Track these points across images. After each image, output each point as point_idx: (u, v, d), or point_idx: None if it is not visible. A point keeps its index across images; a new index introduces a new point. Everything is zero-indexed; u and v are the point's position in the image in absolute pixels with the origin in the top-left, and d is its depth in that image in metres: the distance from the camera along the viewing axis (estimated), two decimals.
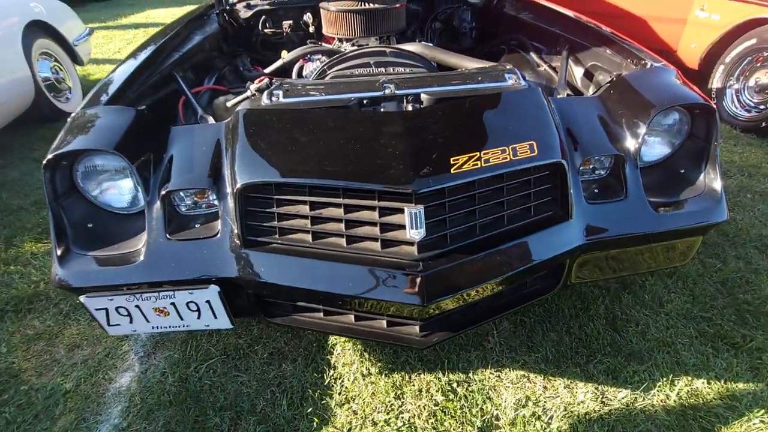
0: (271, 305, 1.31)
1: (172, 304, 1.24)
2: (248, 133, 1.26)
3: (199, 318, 1.29)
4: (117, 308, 1.24)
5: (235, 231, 1.19)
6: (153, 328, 1.31)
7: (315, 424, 1.41)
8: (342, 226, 1.16)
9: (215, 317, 1.29)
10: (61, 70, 3.82)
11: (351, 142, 1.18)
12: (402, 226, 1.13)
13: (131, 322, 1.28)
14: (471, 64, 1.84)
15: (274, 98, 1.43)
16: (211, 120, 1.50)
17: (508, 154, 1.19)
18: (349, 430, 1.40)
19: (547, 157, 1.22)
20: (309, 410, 1.45)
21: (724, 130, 3.13)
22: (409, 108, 1.42)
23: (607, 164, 1.37)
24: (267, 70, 2.05)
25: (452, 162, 1.13)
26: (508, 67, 1.58)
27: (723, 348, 1.59)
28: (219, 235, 1.21)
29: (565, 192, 1.26)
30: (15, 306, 1.93)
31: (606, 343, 1.63)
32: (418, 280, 1.09)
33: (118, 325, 1.29)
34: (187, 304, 1.25)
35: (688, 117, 1.38)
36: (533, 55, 2.07)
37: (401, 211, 1.12)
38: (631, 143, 1.34)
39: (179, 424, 1.43)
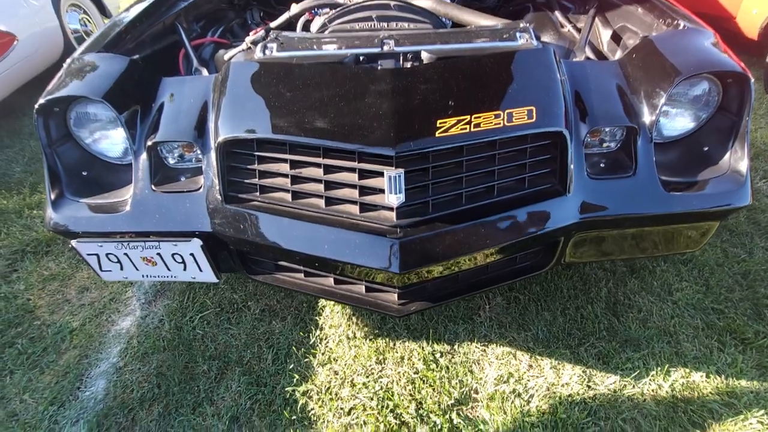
0: (253, 262, 1.32)
1: (158, 254, 1.27)
2: (235, 86, 1.22)
3: (185, 270, 1.32)
4: (107, 254, 1.28)
5: (217, 186, 1.18)
6: (143, 276, 1.35)
7: (296, 380, 1.45)
8: (321, 187, 1.13)
9: (200, 270, 1.31)
10: (90, 22, 3.88)
11: (336, 100, 1.12)
12: (382, 191, 1.08)
13: (122, 269, 1.33)
14: (486, 21, 1.69)
15: (267, 51, 1.38)
16: (205, 73, 1.48)
17: (502, 120, 1.10)
18: (328, 388, 1.42)
19: (547, 124, 1.12)
20: (291, 366, 1.49)
21: None
22: (408, 66, 1.33)
23: (618, 137, 1.25)
24: (273, 24, 1.97)
25: (438, 125, 1.06)
26: (522, 25, 1.44)
27: (731, 342, 1.49)
28: (202, 189, 1.21)
29: (565, 164, 1.16)
30: (34, 248, 2.06)
31: (602, 327, 1.56)
32: (395, 247, 1.06)
33: (110, 271, 1.34)
34: (173, 255, 1.27)
35: (719, 87, 1.23)
36: (558, 15, 1.89)
37: (382, 174, 1.07)
38: (647, 114, 1.21)
39: (170, 368, 1.51)
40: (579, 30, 1.77)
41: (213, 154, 1.18)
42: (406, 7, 1.63)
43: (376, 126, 1.05)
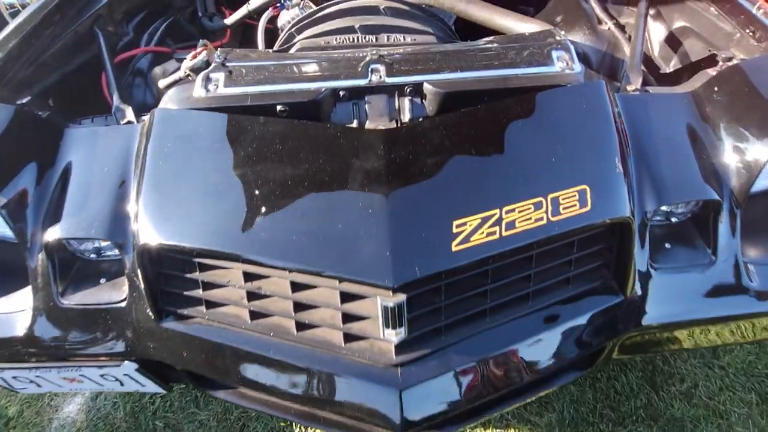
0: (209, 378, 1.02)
1: (82, 375, 0.97)
2: (160, 155, 0.86)
3: (122, 386, 1.02)
4: (14, 377, 0.97)
5: (146, 299, 0.85)
6: (71, 389, 1.06)
7: None
8: (290, 305, 0.81)
9: (142, 385, 1.02)
10: None
11: (306, 186, 0.78)
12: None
13: (39, 387, 1.03)
14: (505, 20, 1.29)
15: (211, 86, 0.99)
16: (129, 113, 1.08)
17: (545, 211, 0.77)
18: None
19: (607, 212, 0.80)
20: None
21: None
22: (406, 103, 0.98)
23: (691, 207, 0.93)
24: (229, 20, 1.55)
25: (456, 230, 0.73)
26: (557, 38, 1.07)
27: None
28: (127, 301, 0.88)
29: (626, 259, 0.85)
30: None
31: (639, 404, 1.32)
32: (394, 397, 0.76)
33: (26, 388, 1.04)
34: (102, 376, 0.97)
35: None
36: (593, 3, 1.48)
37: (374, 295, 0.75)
38: (737, 177, 0.89)
39: None
40: (622, 27, 1.38)
41: (136, 258, 0.84)
42: (400, 10, 1.22)
43: (366, 239, 0.71)
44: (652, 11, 1.33)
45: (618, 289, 0.87)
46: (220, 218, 0.78)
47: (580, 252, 0.84)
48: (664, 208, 0.90)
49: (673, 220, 0.94)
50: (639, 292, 0.88)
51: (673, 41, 1.29)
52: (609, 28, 1.39)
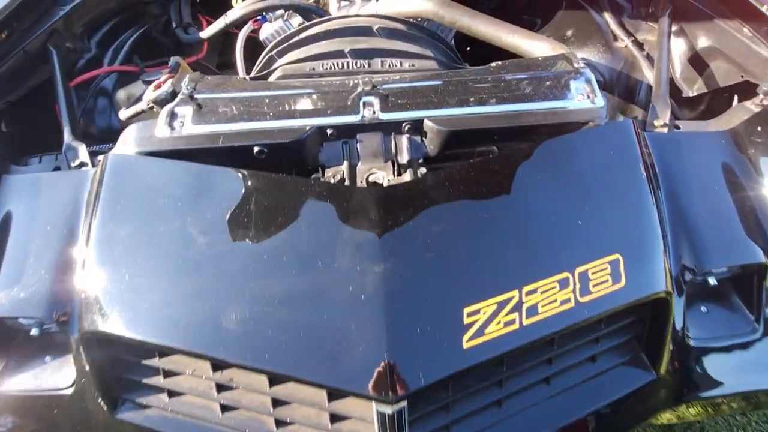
0: None
1: None
2: (112, 213, 0.73)
3: None
4: None
5: (94, 388, 0.72)
6: None
7: None
8: (267, 399, 0.68)
9: None
10: None
11: (281, 267, 0.64)
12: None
13: None
14: (512, 37, 1.15)
15: (177, 123, 0.85)
16: (82, 153, 0.93)
17: (573, 290, 0.64)
18: None
19: (643, 288, 0.68)
20: None
21: None
22: (403, 142, 0.85)
23: (732, 269, 0.81)
24: (204, 34, 1.39)
25: (467, 320, 0.60)
26: (575, 64, 0.94)
27: None
28: (75, 387, 0.74)
29: (660, 333, 0.73)
30: None
31: None
32: None
33: None
34: None
35: None
36: (607, 17, 1.35)
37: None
38: None
39: None
40: (640, 45, 1.25)
41: (81, 345, 0.70)
42: (396, 31, 1.07)
43: (357, 336, 0.58)
44: (674, 27, 1.20)
45: (650, 366, 0.76)
46: (181, 304, 0.64)
47: (609, 327, 0.73)
48: (704, 271, 0.78)
49: (711, 281, 0.82)
50: (674, 368, 0.77)
51: (697, 62, 1.17)
52: (626, 46, 1.26)
